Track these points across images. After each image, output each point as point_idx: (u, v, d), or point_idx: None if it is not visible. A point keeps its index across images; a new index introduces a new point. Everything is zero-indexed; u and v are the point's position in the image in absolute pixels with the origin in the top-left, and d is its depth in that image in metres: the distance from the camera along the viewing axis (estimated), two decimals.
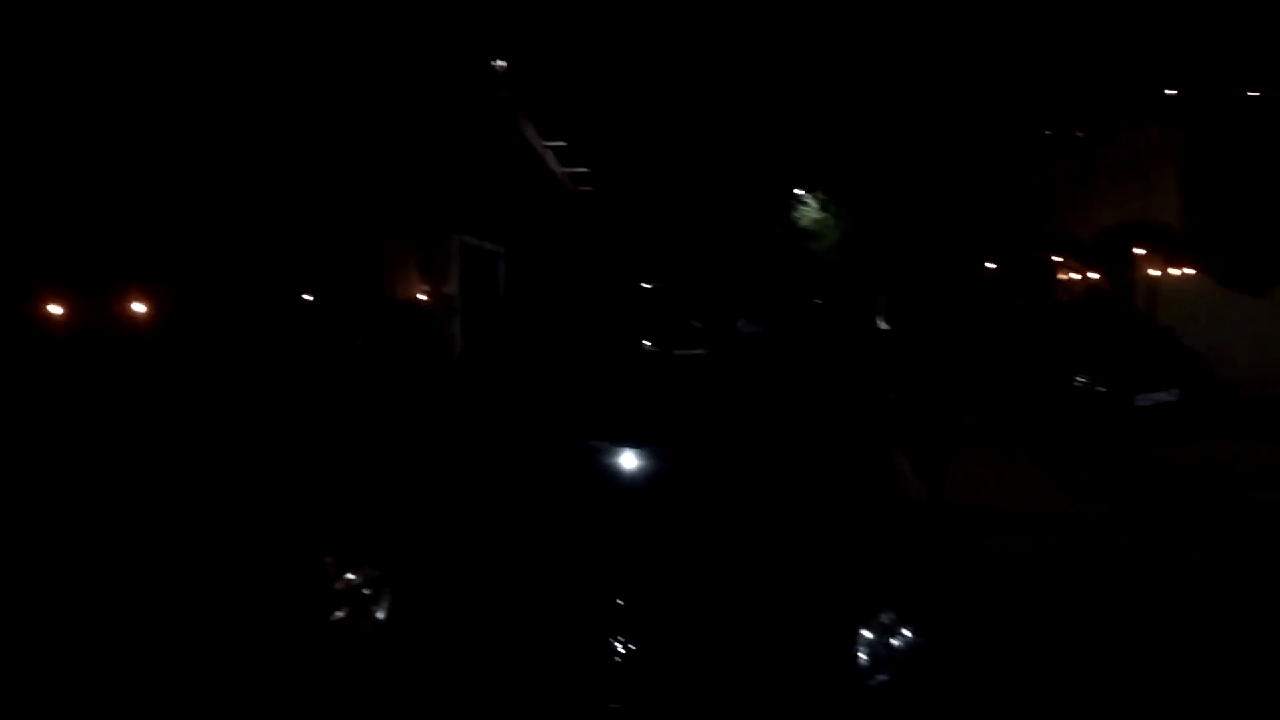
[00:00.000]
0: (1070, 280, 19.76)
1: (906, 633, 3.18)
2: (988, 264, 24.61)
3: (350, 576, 3.35)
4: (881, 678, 3.11)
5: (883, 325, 13.97)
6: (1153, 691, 4.92)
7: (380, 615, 3.23)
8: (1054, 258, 20.71)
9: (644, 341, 7.55)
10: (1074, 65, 21.02)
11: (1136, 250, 16.70)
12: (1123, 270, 17.15)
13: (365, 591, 3.29)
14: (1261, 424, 11.92)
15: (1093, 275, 18.72)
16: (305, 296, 9.95)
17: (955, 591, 6.03)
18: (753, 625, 3.17)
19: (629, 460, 4.24)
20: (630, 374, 5.75)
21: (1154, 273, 15.93)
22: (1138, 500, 9.32)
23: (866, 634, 3.14)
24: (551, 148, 20.79)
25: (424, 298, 14.85)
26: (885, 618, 3.18)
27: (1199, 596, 6.38)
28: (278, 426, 7.21)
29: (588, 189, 33.63)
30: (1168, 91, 16.93)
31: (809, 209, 39.30)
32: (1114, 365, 12.30)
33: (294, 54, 10.10)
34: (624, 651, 3.07)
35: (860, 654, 3.11)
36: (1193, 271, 14.82)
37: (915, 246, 29.97)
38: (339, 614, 3.24)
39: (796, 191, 39.67)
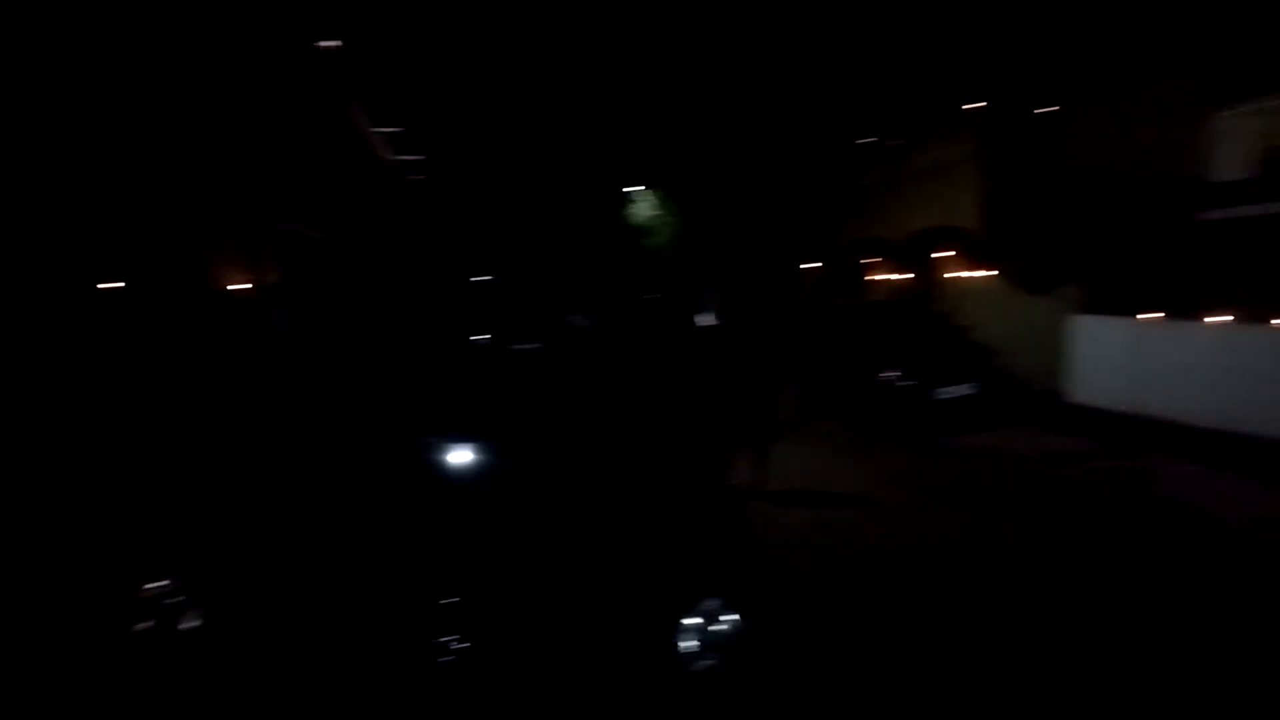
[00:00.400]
0: (883, 280, 21.03)
1: (730, 617, 3.33)
2: (809, 264, 25.81)
3: (154, 586, 3.17)
4: (706, 662, 3.24)
5: (710, 321, 14.42)
6: (942, 645, 5.38)
7: (188, 624, 3.07)
8: (868, 259, 21.98)
9: (476, 335, 7.49)
10: (889, 77, 22.38)
11: (940, 253, 17.97)
12: (929, 271, 18.41)
13: (170, 601, 3.13)
14: (1047, 414, 13.12)
15: (903, 276, 20.01)
16: (108, 285, 9.21)
17: (773, 572, 6.37)
18: (581, 618, 3.23)
19: (457, 457, 4.20)
20: (461, 368, 5.69)
21: (956, 274, 17.20)
22: (934, 482, 10.11)
23: (692, 621, 3.26)
24: (384, 133, 20.08)
25: (243, 288, 14.05)
26: (710, 604, 3.31)
27: (983, 563, 7.04)
28: (76, 426, 6.64)
29: (421, 177, 32.76)
30: (969, 106, 18.33)
31: (643, 205, 39.86)
32: (917, 362, 13.24)
33: (100, 28, 9.30)
34: (453, 649, 3.05)
35: (686, 640, 3.22)
36: (989, 273, 16.11)
37: (743, 246, 31.01)
38: (144, 624, 3.07)
39: (630, 188, 40.17)
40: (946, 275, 17.48)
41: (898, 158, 21.93)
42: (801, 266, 26.32)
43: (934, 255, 18.26)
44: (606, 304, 13.17)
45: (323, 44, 13.80)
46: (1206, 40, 13.44)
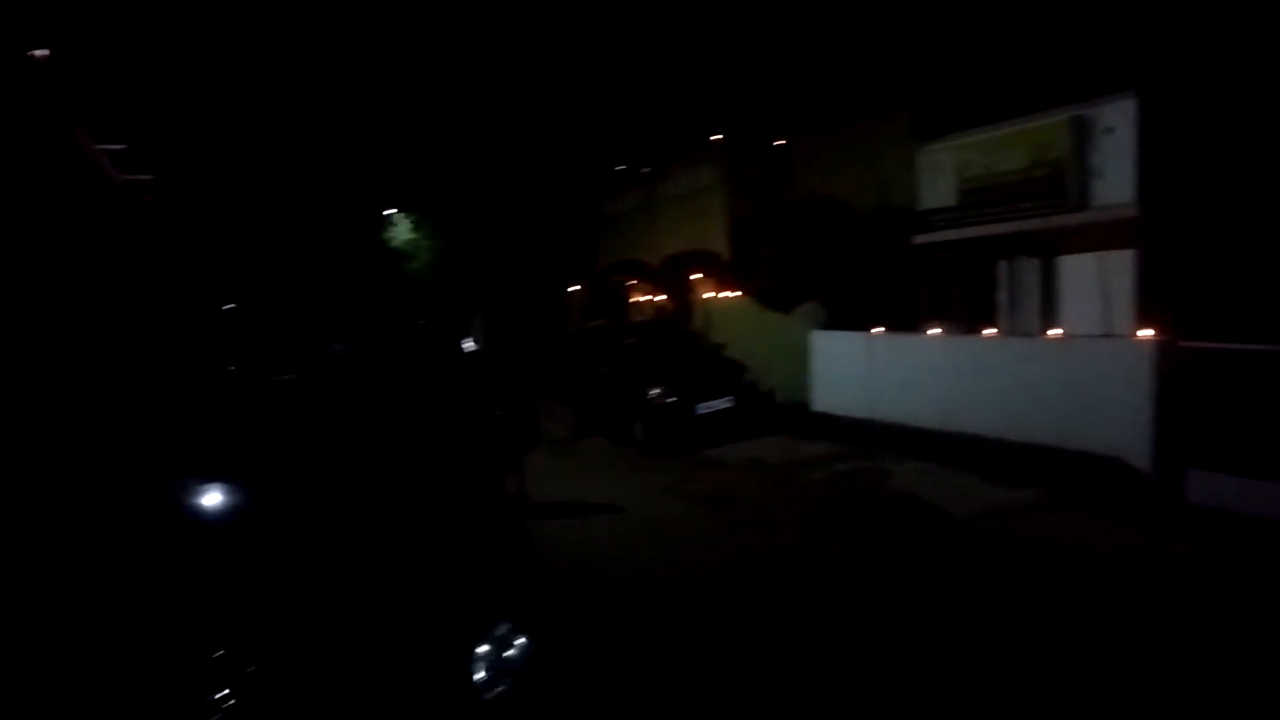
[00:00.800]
0: (643, 302, 21.84)
1: (520, 641, 3.32)
2: (571, 286, 26.30)
3: None
4: (499, 689, 3.22)
5: (474, 346, 14.35)
6: (720, 650, 5.66)
7: None
8: (627, 281, 22.74)
9: (230, 366, 7.00)
10: (641, 105, 23.37)
11: (694, 275, 18.93)
12: (684, 292, 19.35)
13: None
14: (796, 424, 14.12)
15: (660, 297, 20.89)
16: None
17: (555, 590, 6.43)
18: (365, 660, 3.10)
19: (217, 499, 3.92)
20: (215, 402, 5.31)
21: (708, 295, 18.18)
22: (700, 492, 10.63)
23: (483, 649, 3.22)
24: (108, 150, 18.00)
25: None
26: (500, 630, 3.29)
27: (747, 564, 7.48)
28: None
29: (151, 199, 29.97)
30: (714, 137, 19.55)
31: (401, 229, 38.90)
32: (680, 379, 13.86)
33: None
34: (224, 706, 2.84)
35: (478, 670, 3.18)
36: (739, 294, 17.17)
37: (506, 269, 31.10)
38: None
39: (388, 211, 39.07)
40: (701, 296, 18.42)
41: (651, 184, 22.91)
42: (564, 289, 26.78)
43: (689, 277, 19.21)
44: (368, 330, 12.74)
45: (35, 53, 12.34)
46: (916, 80, 15.15)
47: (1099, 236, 12.14)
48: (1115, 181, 11.60)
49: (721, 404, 13.86)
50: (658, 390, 13.63)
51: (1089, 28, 12.60)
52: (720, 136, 19.35)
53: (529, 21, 25.92)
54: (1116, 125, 11.56)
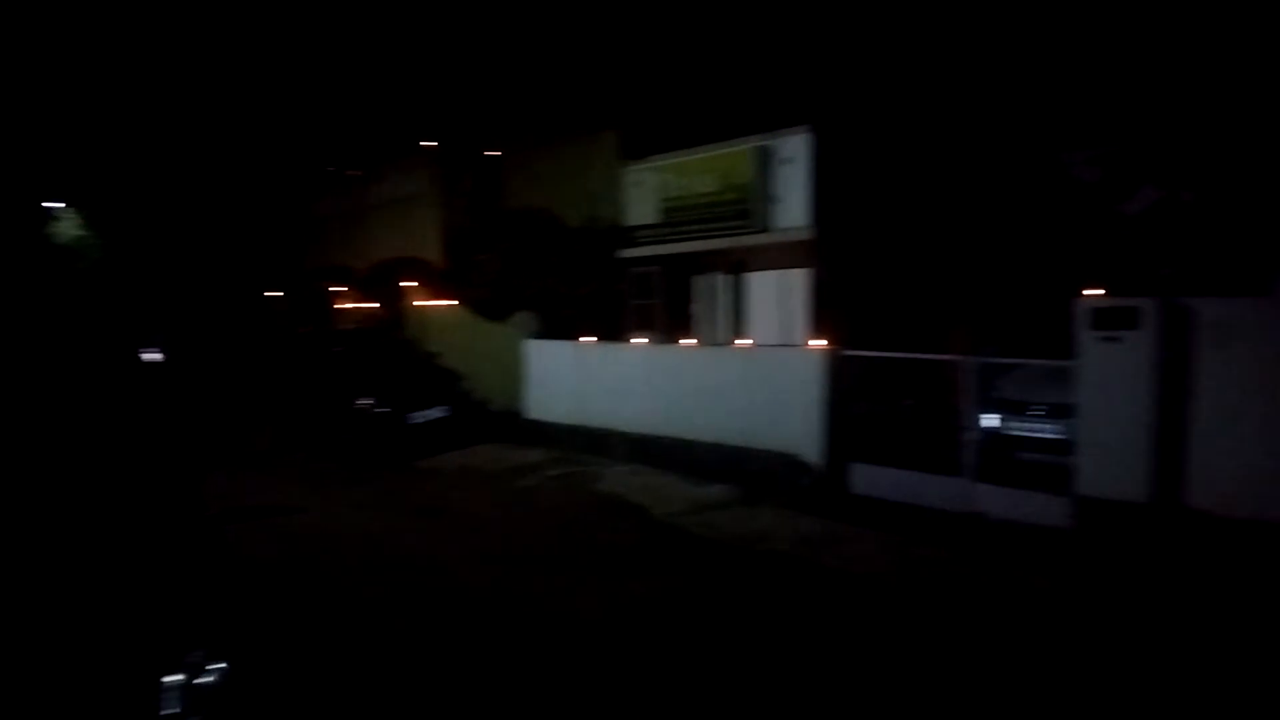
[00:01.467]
0: (351, 309, 21.01)
1: (217, 667, 3.17)
2: (274, 292, 24.72)
3: None
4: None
5: (155, 355, 13.12)
6: (431, 664, 5.68)
7: None
8: (335, 287, 21.78)
9: None
10: (351, 107, 22.48)
11: (406, 283, 18.55)
12: (396, 300, 18.88)
13: None
14: (511, 432, 14.28)
15: (371, 305, 20.22)
16: None
17: (255, 612, 6.11)
18: (48, 694, 2.82)
19: None
20: None
21: (422, 303, 17.89)
22: (412, 504, 10.49)
23: (175, 678, 3.04)
24: None
25: None
26: (194, 656, 3.12)
27: (456, 572, 7.53)
28: None
29: None
30: (426, 143, 19.26)
31: (68, 225, 34.73)
32: (391, 388, 13.58)
33: None
34: None
35: (168, 703, 2.99)
36: (453, 302, 17.06)
37: (198, 272, 28.59)
38: None
39: (50, 205, 34.76)
40: (414, 304, 18.09)
41: (360, 187, 22.14)
42: (265, 294, 25.09)
43: (401, 284, 18.78)
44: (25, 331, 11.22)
45: None
46: (622, 103, 15.91)
47: (781, 256, 13.47)
48: (794, 207, 12.92)
49: (435, 413, 13.75)
50: (368, 400, 13.25)
51: (772, 67, 13.96)
52: (433, 143, 19.12)
53: (235, 8, 24.08)
54: (794, 156, 12.88)
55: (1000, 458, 8.95)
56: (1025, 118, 12.39)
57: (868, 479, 9.68)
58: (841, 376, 9.98)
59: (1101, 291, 8.05)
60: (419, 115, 19.92)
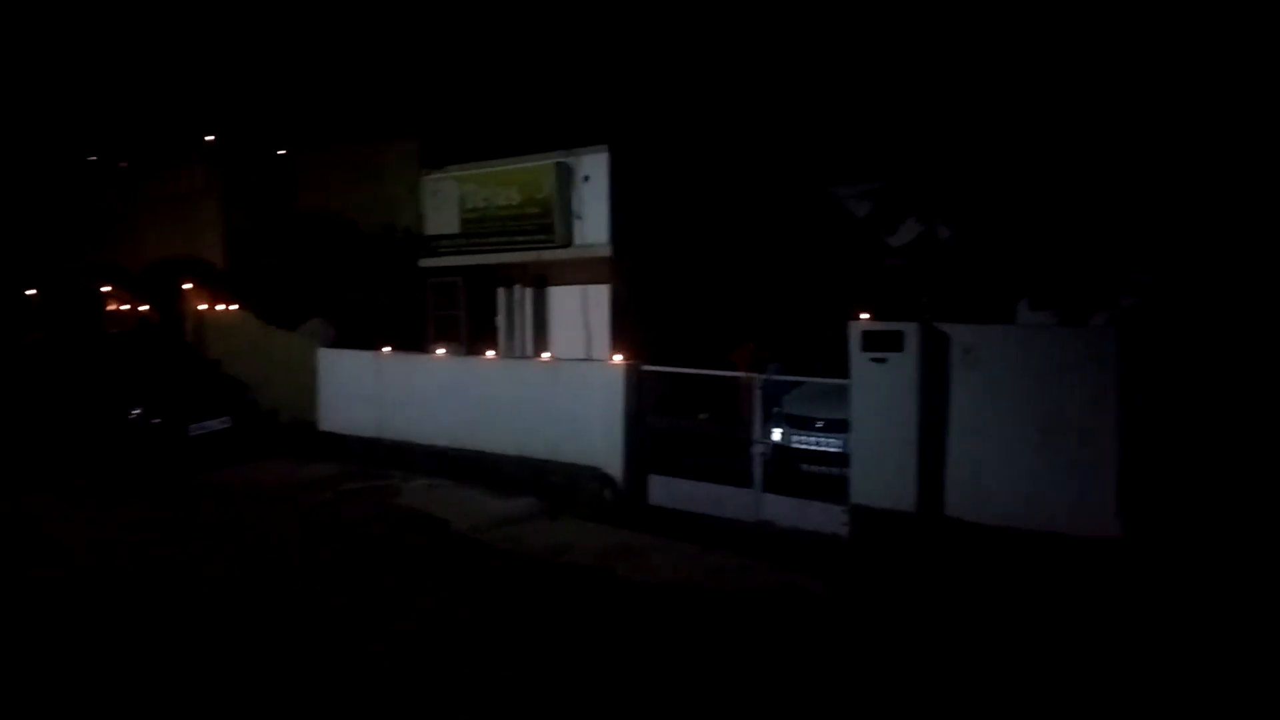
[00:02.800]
0: (120, 311, 19.35)
1: None
2: (29, 290, 22.28)
3: None
4: None
5: None
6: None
7: None
8: (103, 287, 19.98)
9: None
10: (121, 92, 20.68)
11: (184, 285, 17.34)
12: (172, 303, 17.61)
13: None
14: (302, 444, 13.67)
15: (143, 307, 18.73)
16: None
17: None
18: None
19: None
20: None
21: (202, 307, 16.80)
22: (188, 524, 9.87)
23: None
24: None
25: None
26: None
27: (230, 592, 7.19)
28: None
29: None
30: (208, 138, 18.11)
31: None
32: (168, 397, 12.68)
33: None
34: None
35: None
36: (237, 307, 16.13)
37: None
38: None
39: None
40: (193, 307, 16.95)
41: (132, 181, 20.45)
42: (16, 291, 22.56)
43: (178, 286, 17.52)
44: None
45: None
46: (421, 110, 15.67)
47: (583, 271, 13.72)
48: (594, 224, 13.22)
49: (217, 424, 12.98)
50: (140, 410, 12.29)
51: (574, 85, 14.23)
52: (213, 138, 17.99)
53: None
54: (594, 174, 13.19)
55: (786, 470, 9.58)
56: (804, 149, 13.35)
57: (666, 491, 10.06)
58: (641, 391, 10.32)
59: (870, 315, 8.81)
60: (199, 106, 18.68)
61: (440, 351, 13.35)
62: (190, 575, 8.05)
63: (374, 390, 13.37)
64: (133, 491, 11.49)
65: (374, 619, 6.77)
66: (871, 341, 8.43)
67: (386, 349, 13.38)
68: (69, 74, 21.65)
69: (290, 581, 7.81)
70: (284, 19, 17.24)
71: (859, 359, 8.51)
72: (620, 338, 12.85)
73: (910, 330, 8.22)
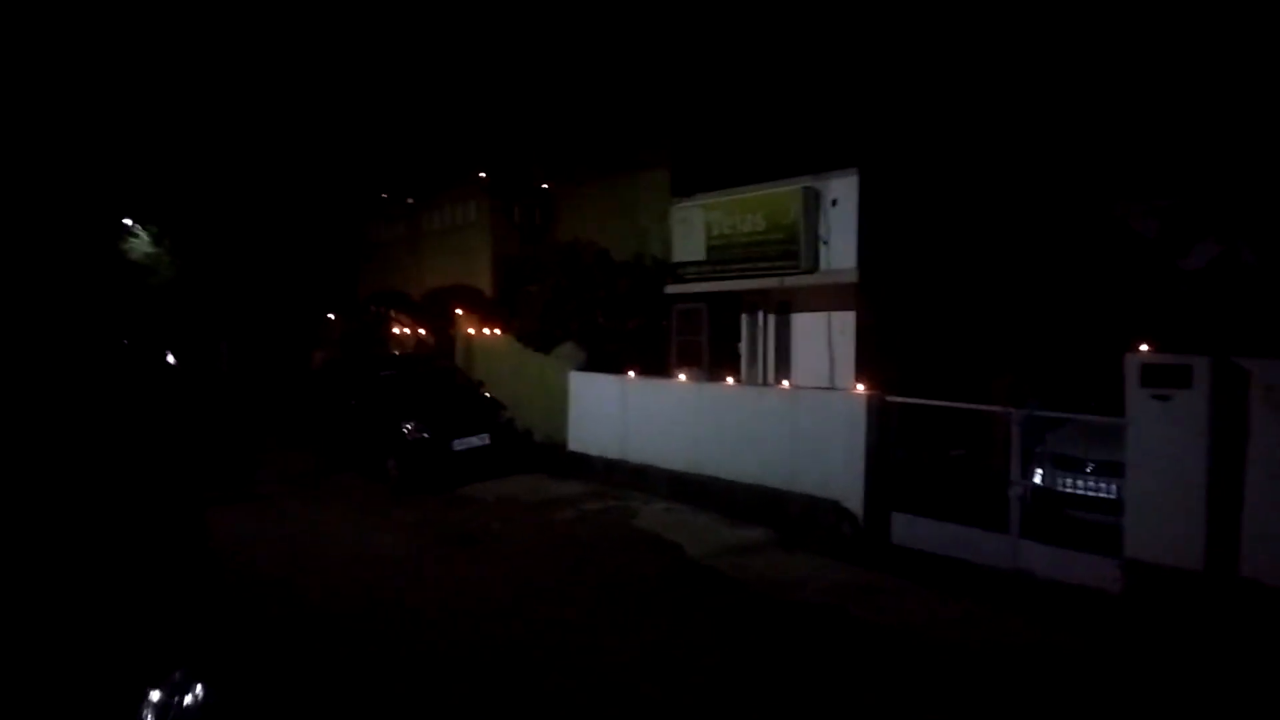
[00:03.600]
0: (402, 334, 21.35)
1: (198, 689, 3.14)
2: (329, 314, 25.24)
3: None
4: None
5: (169, 362, 13.40)
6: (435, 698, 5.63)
7: None
8: (390, 312, 22.16)
9: None
10: (408, 135, 23.00)
11: (457, 310, 18.78)
12: (447, 328, 19.12)
13: None
14: (552, 463, 14.29)
15: (421, 330, 20.52)
16: None
17: (244, 632, 6.12)
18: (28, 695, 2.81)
19: None
20: None
21: (470, 331, 18.09)
22: (445, 531, 10.54)
23: (156, 695, 3.01)
24: None
25: None
26: (176, 676, 3.09)
27: (481, 597, 7.49)
28: None
29: None
30: (481, 174, 19.62)
31: (140, 241, 36.19)
32: (436, 414, 13.67)
33: None
34: None
35: (148, 717, 2.97)
36: (499, 332, 17.21)
37: (259, 291, 29.39)
38: None
39: (126, 222, 36.32)
40: (464, 332, 18.30)
41: (416, 215, 22.56)
42: (321, 316, 25.64)
43: (452, 312, 19.02)
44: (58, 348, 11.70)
45: None
46: (673, 140, 16.02)
47: (827, 298, 13.32)
48: (841, 249, 12.80)
49: (477, 441, 13.79)
50: (411, 425, 13.36)
51: (822, 109, 13.91)
52: (485, 175, 19.45)
53: (297, 39, 24.92)
54: (842, 198, 12.78)
55: (1047, 515, 8.66)
56: (1080, 165, 12.13)
57: (909, 529, 9.42)
58: (885, 423, 9.77)
59: (1151, 346, 7.77)
60: (475, 145, 20.29)
61: (681, 376, 13.43)
62: (430, 576, 8.56)
63: (618, 413, 13.69)
64: (402, 498, 12.53)
65: (600, 644, 6.79)
66: (1154, 376, 7.42)
67: (631, 373, 13.67)
68: (371, 123, 24.38)
69: (530, 597, 8.06)
70: (549, 63, 18.37)
71: (1138, 395, 7.52)
72: (865, 367, 12.30)
73: (1200, 364, 7.16)
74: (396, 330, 21.85)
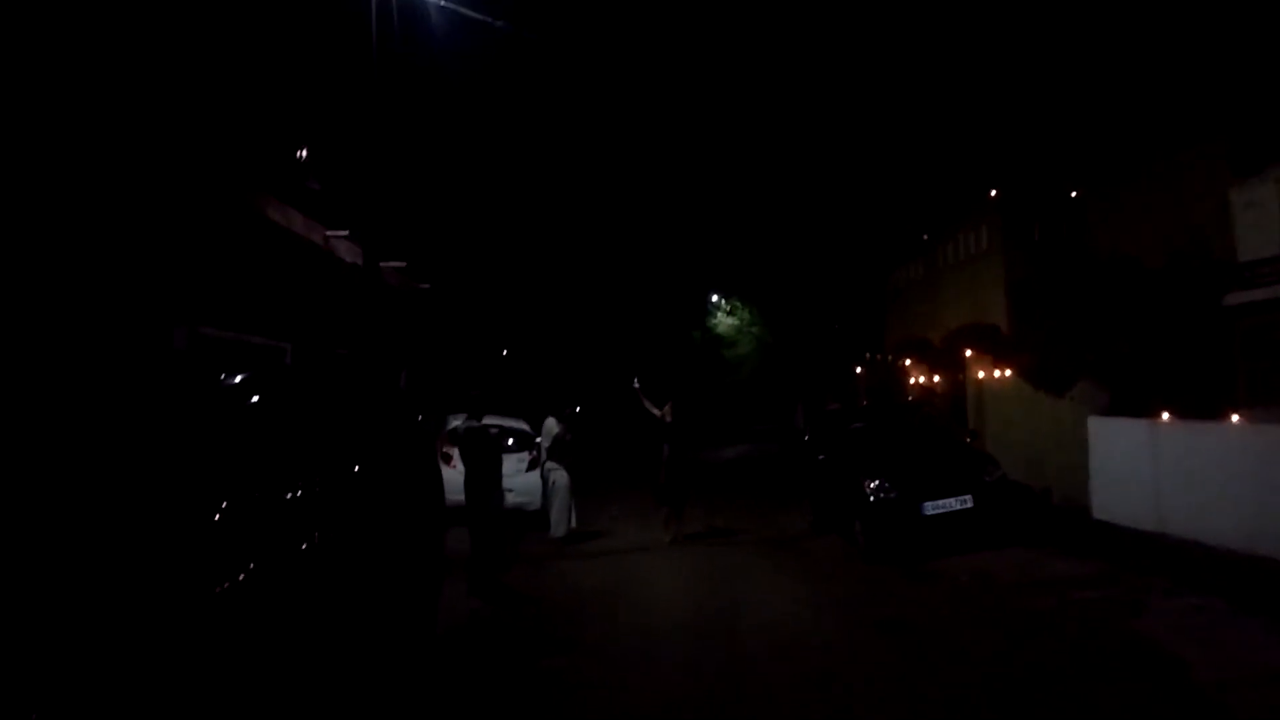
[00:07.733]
0: (916, 383, 19.40)
1: None
2: (858, 367, 24.39)
3: None
4: None
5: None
6: None
7: None
8: (904, 360, 20.43)
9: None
10: (916, 163, 21.29)
11: (966, 351, 16.37)
12: (958, 373, 16.80)
13: None
14: (1060, 533, 11.26)
15: (936, 378, 18.37)
16: None
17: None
18: None
19: None
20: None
21: (981, 375, 15.56)
22: (883, 613, 8.59)
23: None
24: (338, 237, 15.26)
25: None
26: None
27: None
28: None
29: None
30: (992, 193, 16.95)
31: (725, 319, 40.15)
32: (904, 470, 11.68)
33: None
34: None
35: None
36: (1009, 373, 14.42)
37: (813, 351, 29.94)
38: None
39: (714, 298, 40.69)
40: (973, 375, 15.86)
41: (931, 251, 20.56)
42: (851, 369, 24.93)
43: (961, 354, 16.66)
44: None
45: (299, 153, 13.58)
46: (1232, 97, 11.88)
47: None
48: None
49: (956, 504, 11.38)
50: (875, 483, 11.57)
51: None
52: (995, 192, 16.73)
53: (813, 97, 25.03)
54: None
55: None
56: None
57: None
58: None
59: None
60: (988, 161, 17.74)
61: (1234, 418, 9.53)
62: (830, 669, 6.80)
63: (1149, 469, 10.29)
64: (855, 569, 10.85)
65: None
66: None
67: (1165, 414, 10.17)
68: (889, 156, 23.11)
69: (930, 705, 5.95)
70: (1057, 50, 15.27)
71: None
72: None
73: None
74: (915, 378, 20.00)
